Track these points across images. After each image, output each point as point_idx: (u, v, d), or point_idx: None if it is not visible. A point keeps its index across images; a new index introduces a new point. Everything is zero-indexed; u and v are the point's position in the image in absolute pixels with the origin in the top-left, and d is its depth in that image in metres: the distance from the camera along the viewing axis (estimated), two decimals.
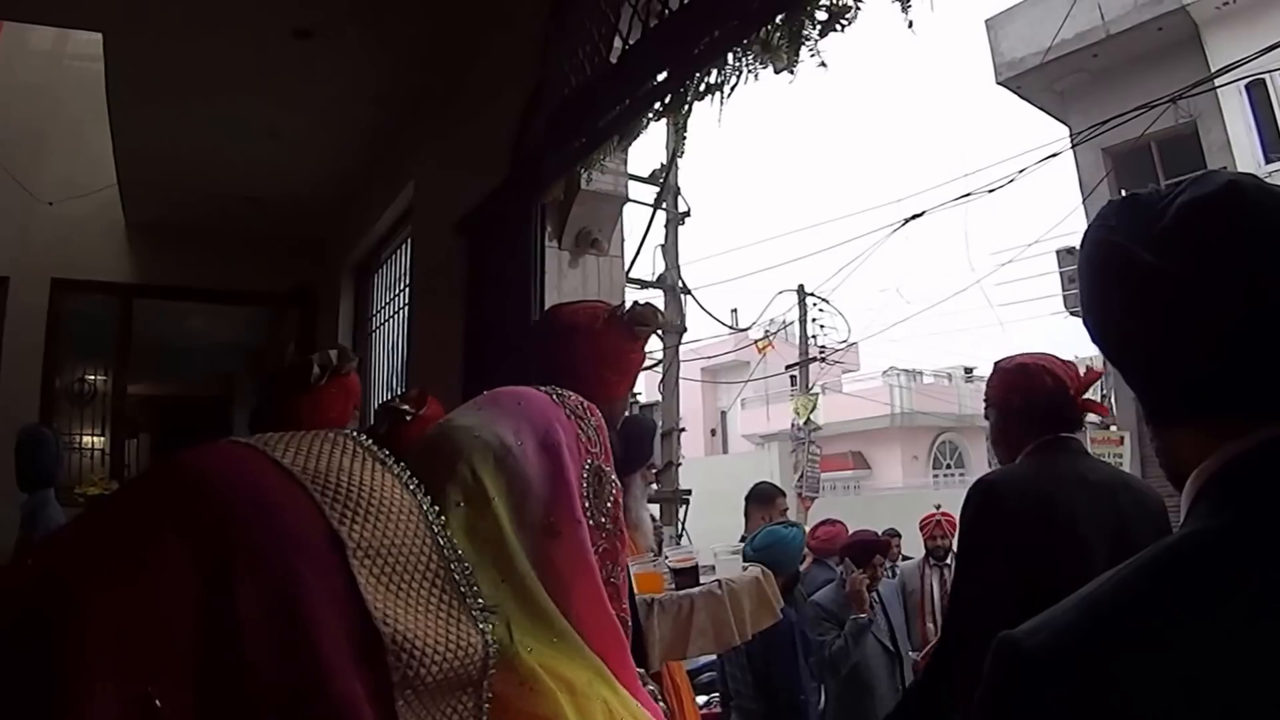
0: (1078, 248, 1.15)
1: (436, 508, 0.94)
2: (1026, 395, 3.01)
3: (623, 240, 5.08)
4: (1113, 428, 16.54)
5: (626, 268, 11.90)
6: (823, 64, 3.21)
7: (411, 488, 0.93)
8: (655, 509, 12.63)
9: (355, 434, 0.97)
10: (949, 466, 37.58)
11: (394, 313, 7.56)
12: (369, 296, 8.50)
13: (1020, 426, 3.04)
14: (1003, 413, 3.12)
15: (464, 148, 5.70)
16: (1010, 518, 2.77)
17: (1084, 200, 17.11)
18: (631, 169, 11.56)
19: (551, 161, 4.37)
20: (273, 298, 9.64)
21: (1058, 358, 3.15)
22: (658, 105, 3.73)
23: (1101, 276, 1.08)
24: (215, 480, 0.82)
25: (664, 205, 13.46)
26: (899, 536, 12.61)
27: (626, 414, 4.47)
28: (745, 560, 6.13)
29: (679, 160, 13.53)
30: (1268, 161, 15.43)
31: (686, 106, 3.67)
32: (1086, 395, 3.06)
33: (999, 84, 18.53)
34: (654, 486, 4.36)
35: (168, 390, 12.28)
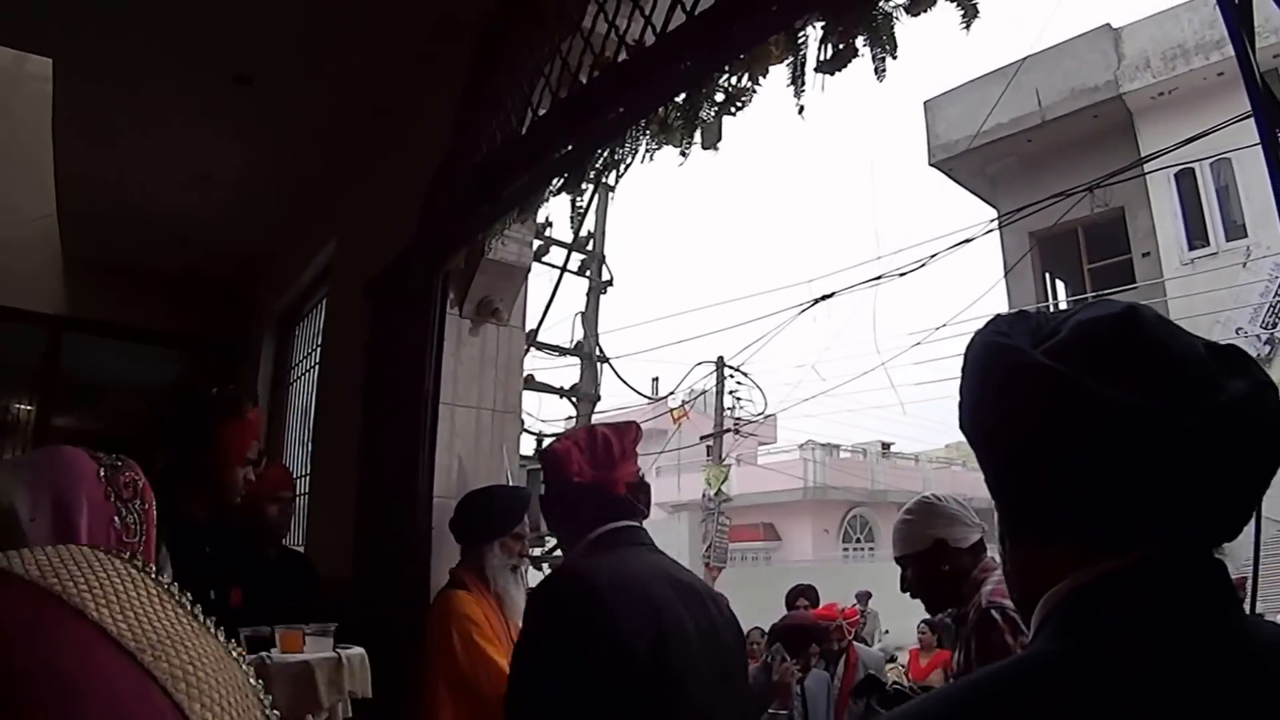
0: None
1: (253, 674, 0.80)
2: (557, 481, 2.64)
3: (524, 310, 5.05)
4: None
5: (533, 333, 12.03)
6: (715, 147, 3.24)
7: (220, 640, 0.79)
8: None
9: (143, 566, 0.79)
10: (859, 540, 37.71)
11: (310, 367, 7.50)
12: (289, 348, 8.43)
13: (568, 515, 2.67)
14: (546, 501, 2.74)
15: (382, 210, 5.72)
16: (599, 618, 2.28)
17: (1005, 275, 17.41)
18: (557, 235, 11.53)
19: (455, 229, 4.33)
20: (199, 342, 9.58)
21: (607, 428, 2.74)
22: (557, 180, 3.70)
23: (984, 375, 1.07)
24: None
25: (588, 273, 13.49)
26: (864, 601, 12.67)
27: (503, 484, 4.47)
28: None
29: (600, 229, 13.62)
30: (1191, 249, 15.78)
31: (586, 182, 3.65)
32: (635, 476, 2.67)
33: (931, 165, 18.85)
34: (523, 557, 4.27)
35: (93, 426, 12.05)
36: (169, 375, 10.59)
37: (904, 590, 3.30)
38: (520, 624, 4.31)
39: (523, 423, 11.80)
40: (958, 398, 1.11)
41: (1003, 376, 1.02)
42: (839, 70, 2.69)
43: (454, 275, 4.60)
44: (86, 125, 6.41)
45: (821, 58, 2.71)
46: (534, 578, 12.09)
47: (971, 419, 1.09)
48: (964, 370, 1.10)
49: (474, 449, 4.70)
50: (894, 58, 2.65)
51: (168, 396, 10.18)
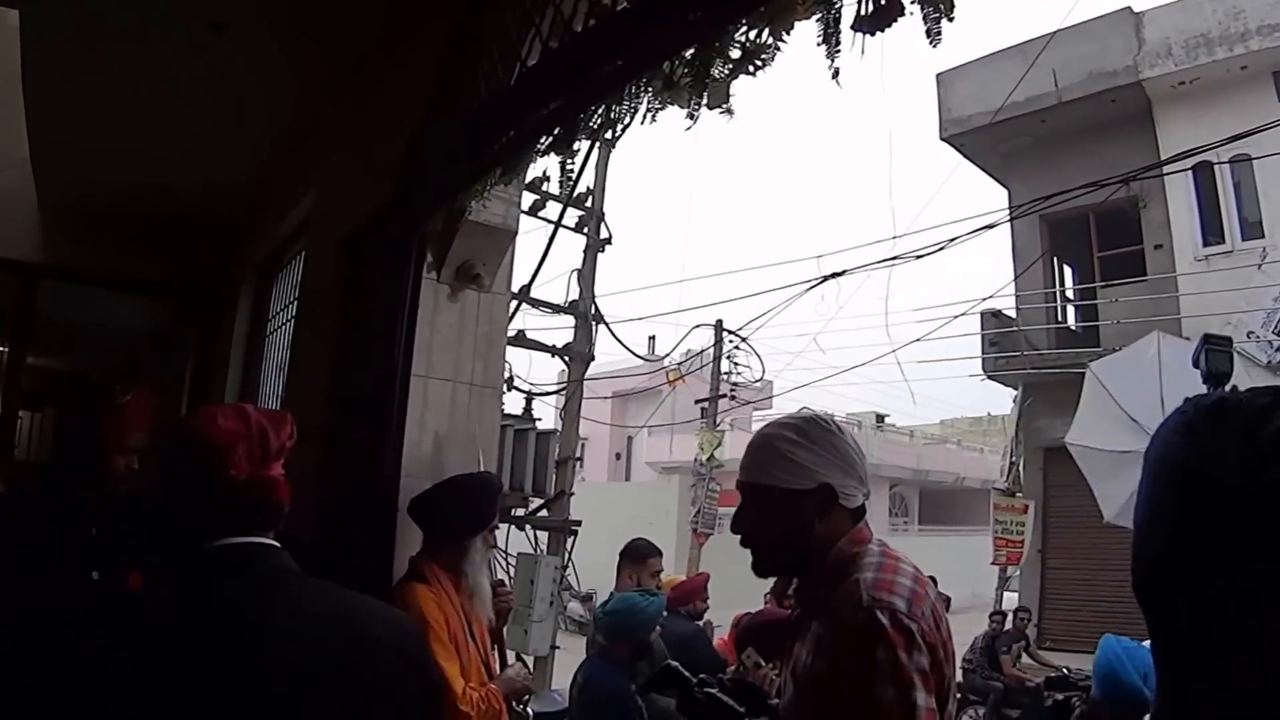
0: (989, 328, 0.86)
1: None
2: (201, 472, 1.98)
3: (510, 276, 4.72)
4: (1018, 495, 16.51)
5: (525, 289, 11.75)
6: (725, 109, 2.91)
7: None
8: (544, 539, 12.36)
9: None
10: None
11: (286, 321, 7.21)
12: (268, 299, 8.16)
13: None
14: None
15: (361, 163, 5.31)
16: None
17: (1015, 278, 17.15)
18: (555, 190, 11.23)
19: (433, 188, 3.96)
20: (177, 289, 9.35)
21: (263, 415, 2.09)
22: (546, 139, 3.32)
23: (1181, 513, 0.98)
24: None
25: (585, 230, 13.24)
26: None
27: (473, 472, 4.22)
28: (595, 624, 5.87)
29: (600, 185, 13.31)
30: (1206, 245, 15.52)
31: (579, 141, 3.29)
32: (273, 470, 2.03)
33: (943, 139, 18.60)
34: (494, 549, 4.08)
35: (73, 366, 12.05)
36: (147, 321, 10.46)
37: (736, 531, 2.57)
38: (489, 619, 4.16)
39: (509, 386, 11.61)
40: (1134, 517, 1.05)
41: (1207, 520, 0.93)
42: (881, 30, 2.28)
43: (432, 237, 4.25)
44: (59, 73, 6.20)
45: (861, 13, 2.31)
46: (516, 539, 11.76)
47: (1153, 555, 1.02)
48: (1146, 468, 1.03)
49: (449, 426, 4.39)
50: (950, 19, 2.29)
51: (148, 342, 10.08)
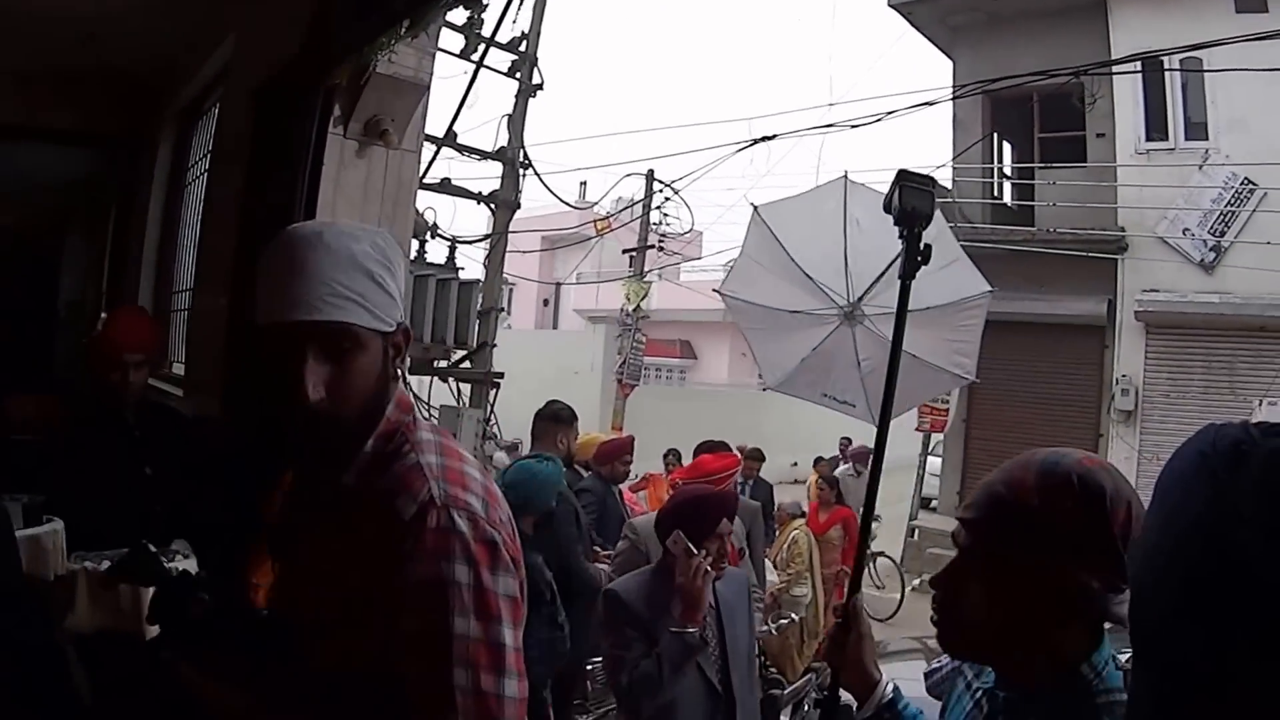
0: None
1: None
2: None
3: (420, 132, 4.54)
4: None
5: (450, 134, 11.42)
6: None
7: None
8: (466, 390, 12.29)
9: None
10: None
11: (204, 170, 6.97)
12: (189, 146, 7.85)
13: None
14: None
15: (276, 11, 4.97)
16: None
17: (953, 159, 17.01)
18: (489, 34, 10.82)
19: (341, 39, 3.72)
20: (99, 138, 8.89)
21: None
22: None
23: (1182, 550, 0.97)
24: None
25: (518, 75, 12.89)
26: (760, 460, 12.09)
27: None
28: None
29: (535, 30, 12.88)
30: (1148, 139, 15.43)
31: None
32: None
33: (891, 6, 18.20)
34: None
35: None
36: (69, 171, 10.08)
37: (301, 396, 1.75)
38: None
39: (432, 234, 11.35)
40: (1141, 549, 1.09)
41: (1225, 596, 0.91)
42: None
43: (340, 91, 4.02)
44: None
45: None
46: (439, 391, 11.61)
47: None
48: (1159, 530, 1.02)
49: None
50: None
51: (71, 193, 9.70)
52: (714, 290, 6.12)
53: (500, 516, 1.76)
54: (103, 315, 4.04)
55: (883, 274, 5.28)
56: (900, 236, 2.82)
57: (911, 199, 2.74)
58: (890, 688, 2.21)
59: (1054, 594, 1.60)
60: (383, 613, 1.62)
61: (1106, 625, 1.66)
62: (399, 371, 1.83)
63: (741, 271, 6.33)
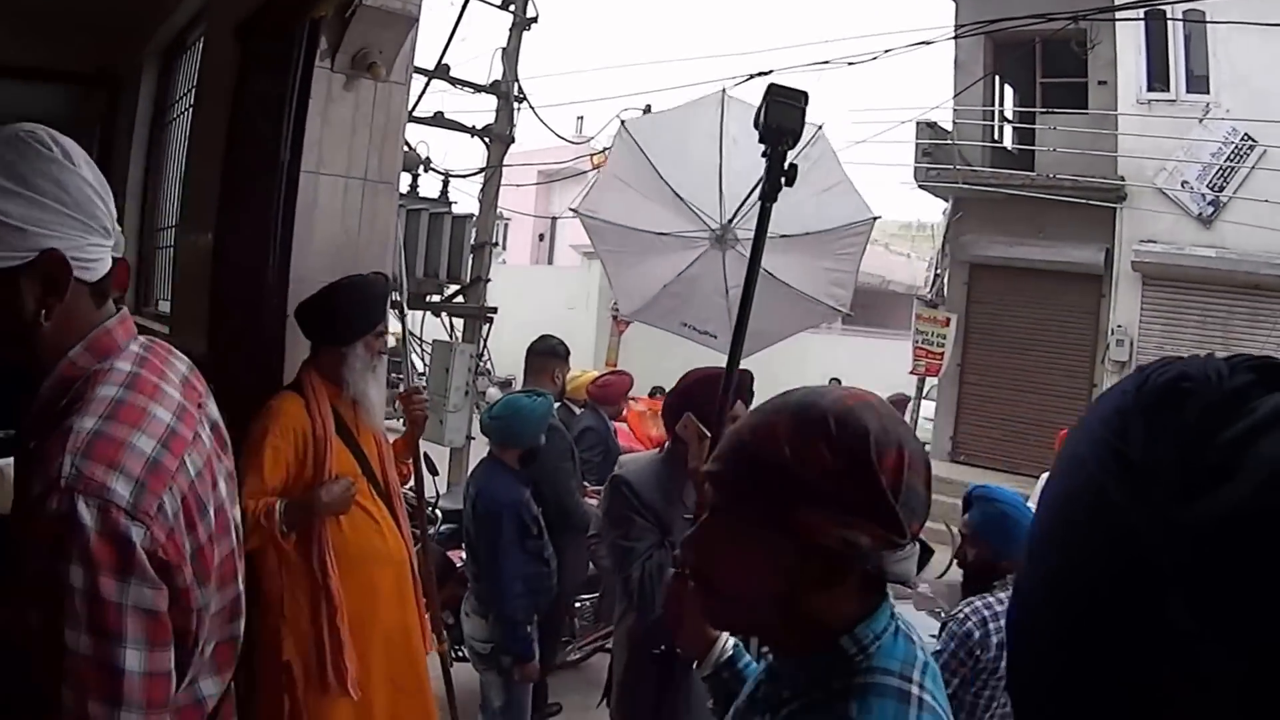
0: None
1: None
2: None
3: (409, 65, 4.46)
4: (941, 307, 16.62)
5: (443, 66, 11.27)
6: None
7: None
8: (459, 326, 12.27)
9: None
10: None
11: (187, 108, 6.78)
12: (171, 84, 7.64)
13: None
14: None
15: None
16: None
17: (956, 92, 16.83)
18: None
19: None
20: (74, 77, 8.73)
21: None
22: None
23: (1073, 532, 0.66)
24: None
25: (512, 7, 12.78)
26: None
27: (354, 275, 3.98)
28: (483, 429, 5.70)
29: None
30: (1150, 90, 15.34)
31: None
32: None
33: None
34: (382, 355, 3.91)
35: None
36: (47, 109, 9.94)
37: None
38: (379, 428, 4.05)
39: (425, 168, 11.24)
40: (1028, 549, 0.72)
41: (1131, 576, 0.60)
42: None
43: (327, 23, 3.94)
44: None
45: None
46: (432, 326, 11.59)
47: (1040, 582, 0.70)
48: (1050, 510, 0.71)
49: (340, 225, 4.19)
50: None
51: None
52: (570, 209, 5.43)
53: (159, 505, 1.44)
54: None
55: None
56: (764, 155, 2.60)
57: (779, 115, 2.55)
58: (730, 643, 1.99)
59: (814, 555, 1.36)
60: (19, 613, 1.39)
61: (899, 592, 1.48)
62: (54, 307, 1.51)
63: (604, 190, 5.64)
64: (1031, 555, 0.71)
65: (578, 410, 7.32)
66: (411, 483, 4.64)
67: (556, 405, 6.15)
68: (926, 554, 1.45)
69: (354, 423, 3.90)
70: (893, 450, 1.37)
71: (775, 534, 1.38)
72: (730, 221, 5.22)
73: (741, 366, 3.38)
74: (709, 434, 3.27)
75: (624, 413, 7.21)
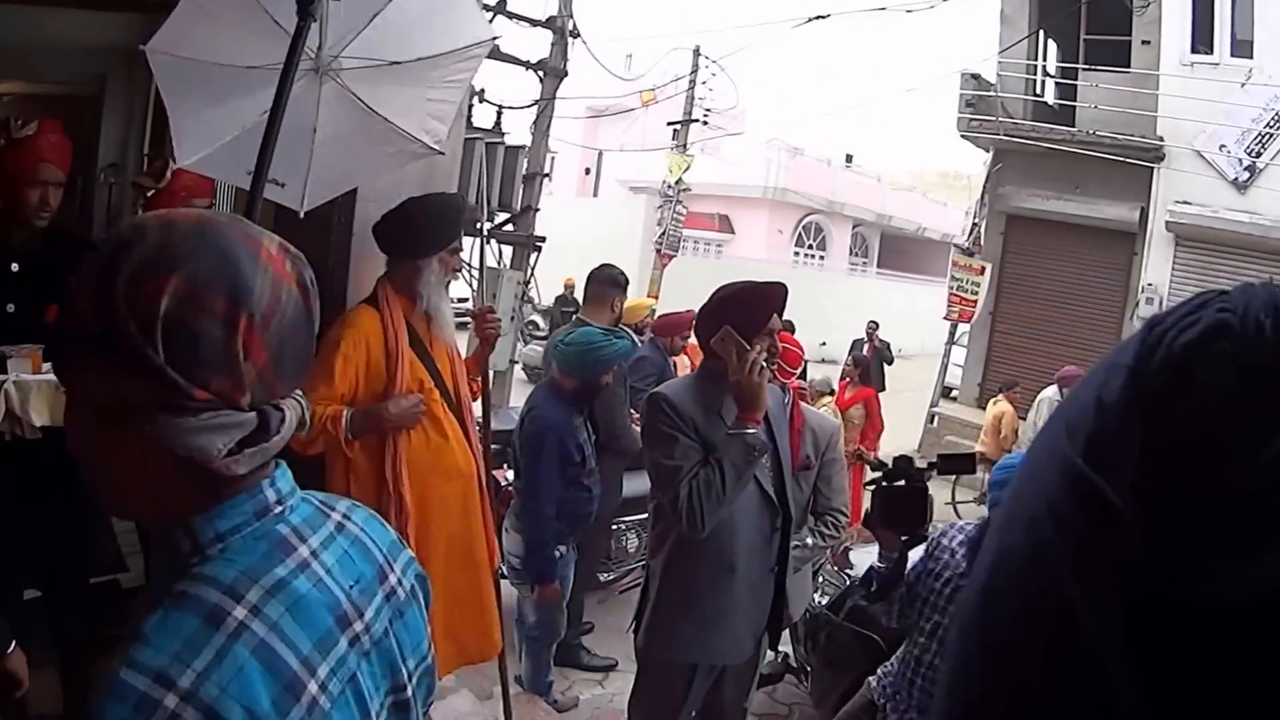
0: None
1: None
2: None
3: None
4: (976, 255, 16.82)
5: (499, 4, 11.51)
6: None
7: None
8: (508, 254, 12.54)
9: None
10: (811, 247, 38.11)
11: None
12: None
13: None
14: None
15: None
16: None
17: (1002, 48, 16.86)
18: None
19: None
20: (144, 5, 8.72)
21: None
22: None
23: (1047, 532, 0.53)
24: None
25: None
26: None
27: (433, 193, 4.13)
28: (551, 353, 5.87)
29: None
30: (1194, 52, 15.32)
31: None
32: None
33: None
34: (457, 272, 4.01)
35: (37, 90, 11.69)
36: (115, 36, 10.11)
37: None
38: (452, 342, 4.17)
39: (479, 99, 11.54)
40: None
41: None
42: None
43: None
44: None
45: None
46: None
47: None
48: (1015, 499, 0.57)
49: (403, 144, 3.86)
50: None
51: (113, 60, 9.75)
52: (140, 48, 3.93)
53: None
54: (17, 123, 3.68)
55: (373, 18, 3.75)
56: None
57: None
58: None
59: (106, 417, 1.14)
60: None
61: (278, 487, 1.25)
62: None
63: (181, 22, 4.28)
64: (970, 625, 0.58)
65: (636, 338, 7.47)
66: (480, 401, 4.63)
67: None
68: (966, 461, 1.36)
69: (427, 336, 3.98)
70: (159, 278, 1.09)
71: (77, 397, 1.19)
72: (331, 47, 3.86)
73: (776, 281, 3.75)
74: (749, 346, 3.37)
75: (684, 347, 7.42)
